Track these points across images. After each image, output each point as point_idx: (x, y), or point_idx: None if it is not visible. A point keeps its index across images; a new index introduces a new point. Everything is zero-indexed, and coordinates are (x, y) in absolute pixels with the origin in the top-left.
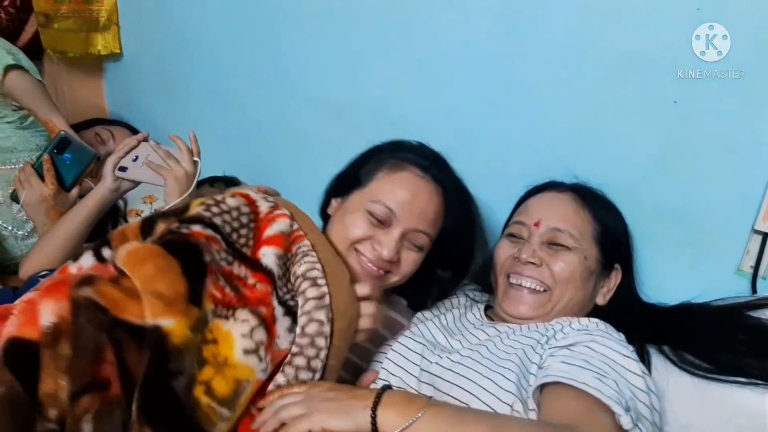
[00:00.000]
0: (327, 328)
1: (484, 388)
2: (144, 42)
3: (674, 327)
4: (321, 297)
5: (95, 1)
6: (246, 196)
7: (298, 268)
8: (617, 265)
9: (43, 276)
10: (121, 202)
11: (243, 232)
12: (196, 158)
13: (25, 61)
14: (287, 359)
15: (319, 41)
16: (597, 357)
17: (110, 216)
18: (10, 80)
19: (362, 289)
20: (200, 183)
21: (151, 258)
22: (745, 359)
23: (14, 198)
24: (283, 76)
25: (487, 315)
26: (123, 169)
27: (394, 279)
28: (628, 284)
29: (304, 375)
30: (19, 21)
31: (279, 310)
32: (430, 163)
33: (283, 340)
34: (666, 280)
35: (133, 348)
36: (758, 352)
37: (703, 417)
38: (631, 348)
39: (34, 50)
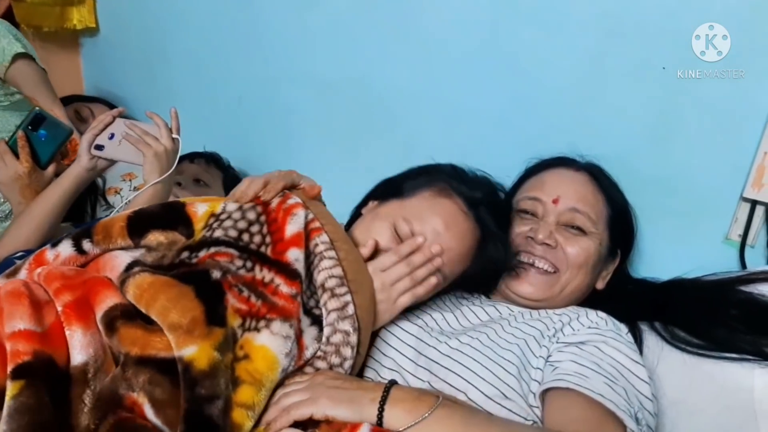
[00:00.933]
0: (354, 338)
1: (482, 378)
2: (121, 16)
3: (666, 303)
4: (343, 307)
5: None
6: None
7: (318, 275)
8: (618, 250)
9: (20, 257)
10: (99, 180)
11: (254, 229)
12: (176, 135)
13: (29, 47)
14: (309, 361)
15: (303, 14)
16: (606, 360)
17: (88, 194)
18: (17, 68)
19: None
20: (180, 159)
21: (163, 290)
22: (738, 335)
23: None
24: (265, 49)
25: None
26: (99, 147)
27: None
28: (623, 265)
29: None
30: None
31: (305, 321)
32: (481, 199)
33: (310, 351)
34: (654, 249)
35: (164, 381)
36: (751, 328)
37: (692, 393)
38: (637, 349)
39: None
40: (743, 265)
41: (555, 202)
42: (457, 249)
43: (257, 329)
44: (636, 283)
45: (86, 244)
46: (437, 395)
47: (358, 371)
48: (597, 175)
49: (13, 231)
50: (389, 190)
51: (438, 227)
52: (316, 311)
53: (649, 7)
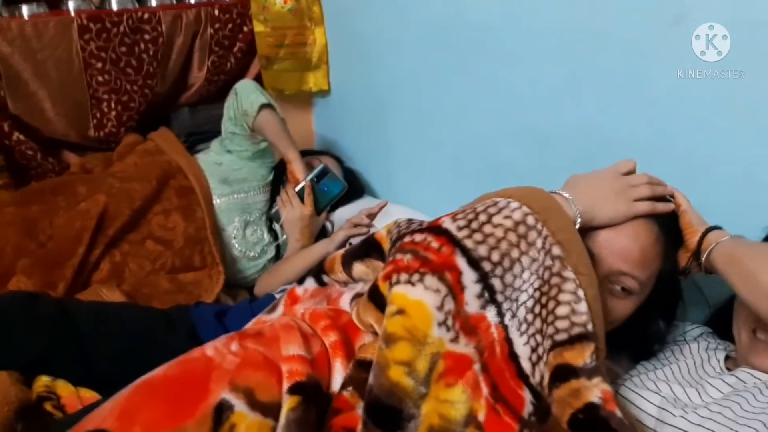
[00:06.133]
0: (571, 285)
1: None
2: (350, 80)
3: None
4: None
5: (308, 44)
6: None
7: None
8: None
9: (280, 293)
10: (328, 225)
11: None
12: None
13: (272, 100)
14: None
15: (524, 69)
16: None
17: (318, 236)
18: (262, 117)
19: None
20: None
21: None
22: None
23: (275, 217)
24: (482, 107)
25: (726, 366)
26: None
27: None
28: None
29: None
30: (245, 63)
31: (469, 275)
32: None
33: (472, 306)
34: None
35: None
36: None
37: None
38: None
39: None
40: None
41: None
42: (635, 250)
43: (411, 283)
44: None
45: (324, 278)
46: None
47: None
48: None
49: (273, 276)
50: None
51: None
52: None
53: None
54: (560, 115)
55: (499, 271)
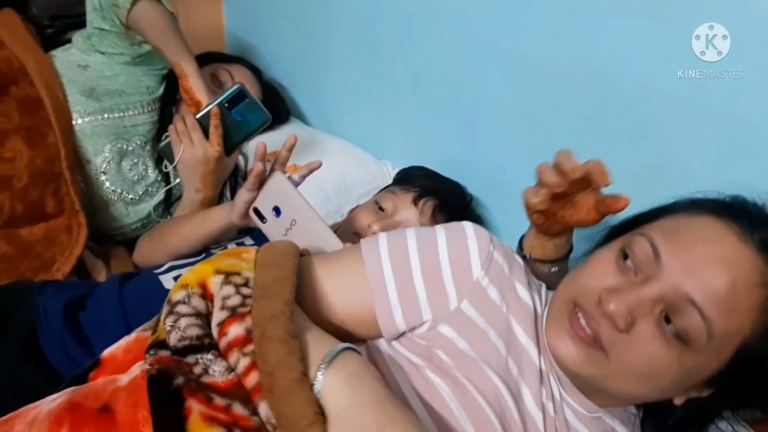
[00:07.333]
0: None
1: None
2: None
3: None
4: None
5: None
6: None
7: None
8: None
9: (167, 270)
10: (241, 159)
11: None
12: None
13: None
14: None
15: None
16: None
17: (229, 177)
18: (140, 11)
19: None
20: None
21: None
22: None
23: (165, 154)
24: (457, 17)
25: None
26: (259, 215)
27: (605, 368)
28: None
29: None
30: None
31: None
32: (761, 223)
33: None
34: None
35: None
36: None
37: None
38: None
39: None
40: None
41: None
42: (726, 284)
43: None
44: None
45: None
46: None
47: None
48: None
49: (157, 241)
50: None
51: (694, 245)
52: None
53: None
54: (563, 51)
55: None
